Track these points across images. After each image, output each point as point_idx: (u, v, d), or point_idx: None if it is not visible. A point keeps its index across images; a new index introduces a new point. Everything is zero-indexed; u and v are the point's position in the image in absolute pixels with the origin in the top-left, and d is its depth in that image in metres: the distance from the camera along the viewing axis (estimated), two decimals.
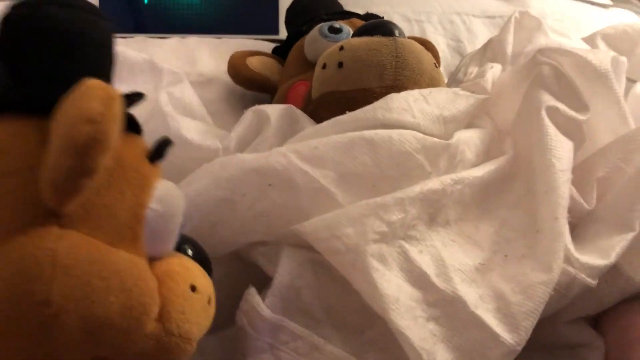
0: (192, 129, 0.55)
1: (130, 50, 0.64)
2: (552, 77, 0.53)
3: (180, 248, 0.38)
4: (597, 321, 0.51)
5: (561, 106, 0.51)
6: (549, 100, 0.51)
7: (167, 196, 0.35)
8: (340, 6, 0.78)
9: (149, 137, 0.53)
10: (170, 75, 0.66)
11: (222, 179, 0.46)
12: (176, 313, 0.33)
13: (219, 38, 0.84)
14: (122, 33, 0.83)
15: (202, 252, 0.40)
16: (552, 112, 0.51)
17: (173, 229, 0.35)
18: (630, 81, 0.65)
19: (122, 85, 0.62)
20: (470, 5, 0.94)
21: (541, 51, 0.55)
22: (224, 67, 0.72)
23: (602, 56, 0.54)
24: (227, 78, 0.73)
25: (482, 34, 0.89)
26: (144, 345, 0.32)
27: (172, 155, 0.53)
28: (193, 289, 0.35)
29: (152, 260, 0.34)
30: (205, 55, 0.78)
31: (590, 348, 0.48)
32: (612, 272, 0.47)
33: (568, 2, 1.01)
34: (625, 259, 0.47)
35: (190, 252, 0.39)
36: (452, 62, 0.84)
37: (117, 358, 0.32)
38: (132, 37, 0.82)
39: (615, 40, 0.76)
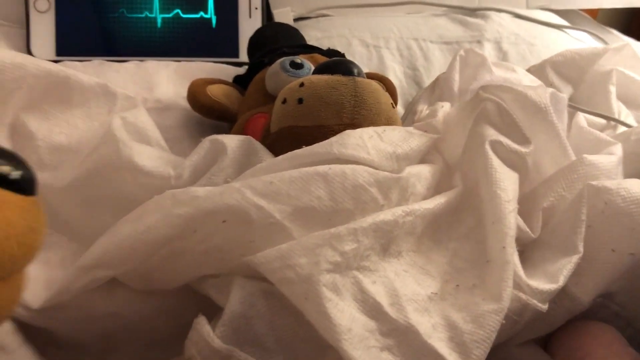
0: (144, 156, 0.54)
1: (83, 74, 0.63)
2: (495, 112, 0.55)
3: None
4: (546, 343, 0.52)
5: (504, 140, 0.53)
6: (492, 134, 0.53)
7: None
8: (303, 38, 0.79)
9: (100, 162, 0.53)
10: (124, 99, 0.65)
11: (174, 216, 0.45)
12: None
13: (178, 61, 0.84)
14: (79, 56, 0.82)
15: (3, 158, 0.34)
16: (496, 145, 0.53)
17: None
18: (575, 110, 0.67)
19: (75, 110, 0.62)
20: (428, 29, 0.96)
21: (484, 88, 0.57)
22: (182, 92, 0.71)
23: (541, 92, 0.56)
24: (185, 104, 0.72)
25: (437, 61, 0.90)
26: None
27: (123, 182, 0.53)
28: None
29: None
30: (164, 80, 0.77)
31: None
32: (560, 294, 0.48)
33: (524, 24, 1.03)
34: (571, 279, 0.48)
35: None
36: (408, 91, 0.85)
37: None
38: (89, 60, 0.82)
39: (564, 67, 0.79)
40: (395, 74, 0.87)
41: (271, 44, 0.73)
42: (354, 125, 0.53)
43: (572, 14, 1.16)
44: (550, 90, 0.57)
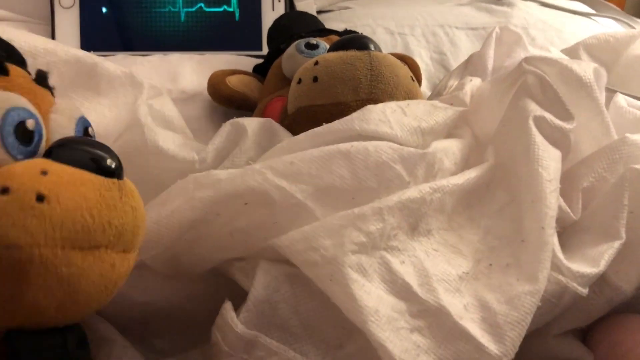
0: (169, 140, 0.54)
1: (110, 62, 0.63)
2: (537, 86, 0.53)
3: (50, 152, 0.37)
4: (585, 336, 0.50)
5: (548, 115, 0.51)
6: (535, 109, 0.51)
7: None
8: (320, 24, 0.78)
9: (126, 147, 0.53)
10: (150, 89, 0.65)
11: (196, 199, 0.45)
12: None
13: (202, 54, 0.84)
14: (103, 51, 0.83)
15: (89, 146, 0.38)
16: (539, 121, 0.50)
17: None
18: (611, 92, 0.65)
19: (102, 98, 0.62)
20: (453, 17, 0.95)
21: (527, 60, 0.54)
22: (206, 83, 0.72)
23: (586, 66, 0.54)
24: (209, 95, 0.73)
25: (464, 46, 0.89)
26: None
27: (148, 166, 0.53)
28: (4, 191, 0.32)
29: None
30: (188, 72, 0.77)
31: None
32: (599, 282, 0.46)
33: (551, 12, 1.01)
34: (611, 267, 0.46)
35: (58, 152, 0.37)
36: (435, 75, 0.84)
37: None
38: (114, 54, 0.82)
39: (597, 50, 0.77)
40: (422, 59, 0.86)
41: (289, 31, 0.73)
42: (372, 100, 0.52)
43: (599, 5, 1.13)
44: (594, 65, 0.55)
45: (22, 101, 0.37)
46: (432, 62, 0.86)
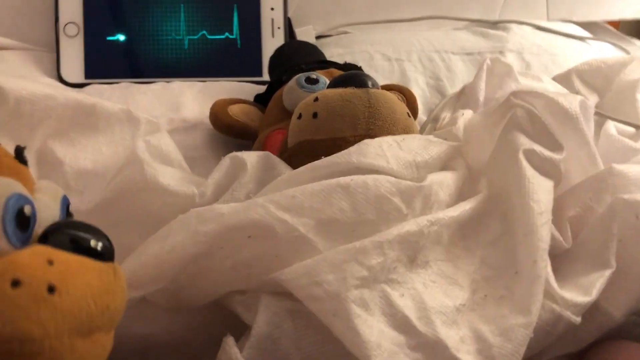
0: (168, 176, 0.55)
1: (107, 101, 0.65)
2: (526, 118, 0.54)
3: (46, 237, 0.36)
4: None
5: (537, 147, 0.52)
6: (525, 142, 0.52)
7: None
8: (321, 54, 0.80)
9: (126, 184, 0.54)
10: (147, 124, 0.67)
11: (200, 234, 0.46)
12: None
13: (204, 81, 0.85)
14: (107, 78, 0.84)
15: (83, 230, 0.38)
16: (529, 154, 0.52)
17: None
18: (603, 117, 0.67)
19: (100, 136, 0.64)
20: (450, 42, 0.96)
21: (514, 94, 0.56)
22: (208, 111, 0.73)
23: (572, 99, 0.56)
24: (210, 123, 0.74)
25: (460, 71, 0.90)
26: None
27: (148, 202, 0.54)
28: (15, 283, 0.32)
29: None
30: (190, 101, 0.79)
31: None
32: (591, 309, 0.48)
33: (546, 36, 1.03)
34: (602, 294, 0.48)
35: (58, 237, 0.36)
36: (431, 100, 0.85)
37: None
38: (117, 82, 0.84)
39: (589, 76, 0.78)
40: (418, 85, 0.87)
41: (289, 62, 0.74)
42: (369, 136, 0.54)
43: (594, 27, 1.15)
44: (580, 97, 0.57)
45: (19, 186, 0.36)
46: (428, 87, 0.87)
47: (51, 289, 0.32)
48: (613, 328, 0.50)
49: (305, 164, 0.51)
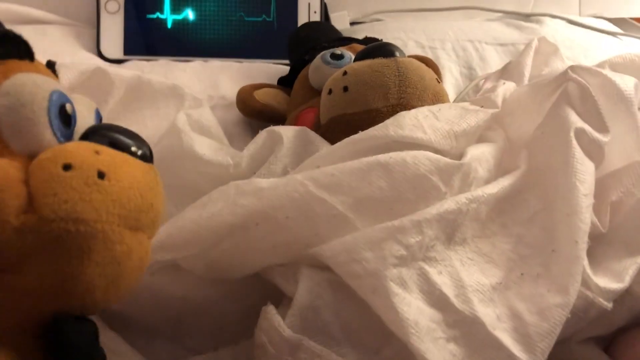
0: (205, 146, 0.56)
1: (154, 75, 0.66)
2: (577, 95, 0.53)
3: (87, 136, 0.37)
4: (609, 347, 0.51)
5: (587, 127, 0.51)
6: (577, 121, 0.51)
7: (13, 87, 0.34)
8: (339, 33, 0.80)
9: (164, 153, 0.56)
10: (192, 100, 0.68)
11: (237, 205, 0.46)
12: (46, 197, 0.31)
13: (240, 62, 0.87)
14: (145, 55, 0.86)
15: (122, 133, 0.38)
16: (580, 133, 0.51)
17: (30, 117, 0.34)
18: None
19: (145, 110, 0.65)
20: (483, 32, 0.96)
21: (572, 68, 0.55)
22: None
23: (628, 80, 0.54)
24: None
25: (493, 61, 0.90)
26: (24, 242, 0.31)
27: (184, 171, 0.55)
28: (67, 167, 0.32)
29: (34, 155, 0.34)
30: (228, 80, 0.80)
31: None
32: (622, 293, 0.48)
33: (578, 30, 1.03)
34: (634, 279, 0.48)
35: (97, 137, 0.37)
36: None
37: (0, 264, 0.31)
38: (156, 59, 0.85)
39: (623, 69, 0.77)
40: (452, 73, 0.88)
41: (308, 43, 0.74)
42: (401, 105, 0.54)
43: (625, 24, 1.15)
44: (635, 80, 0.55)
45: (59, 85, 0.37)
46: (461, 76, 0.88)
47: (101, 175, 0.33)
48: None
49: (340, 139, 0.52)
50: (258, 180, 0.49)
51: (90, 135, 0.37)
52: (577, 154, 0.49)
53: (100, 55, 0.86)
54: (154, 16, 0.88)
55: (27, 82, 0.34)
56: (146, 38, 0.88)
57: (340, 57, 0.64)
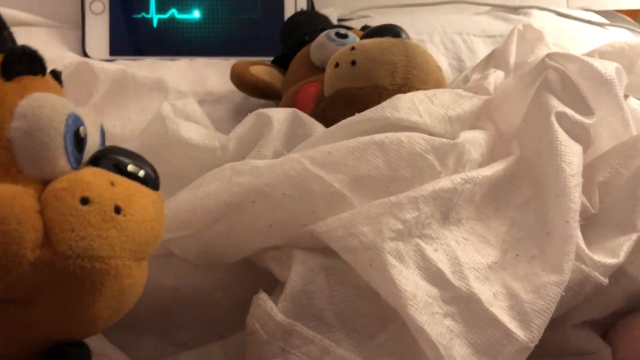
0: (191, 130, 0.55)
1: (140, 71, 0.66)
2: (558, 81, 0.54)
3: (97, 160, 0.37)
4: (607, 333, 0.51)
5: (569, 111, 0.52)
6: (557, 105, 0.52)
7: (31, 110, 0.33)
8: (332, 23, 0.81)
9: (149, 140, 0.55)
10: (176, 93, 0.68)
11: (234, 183, 0.46)
12: (63, 233, 0.31)
13: (227, 59, 0.86)
14: (131, 55, 0.85)
15: (130, 157, 0.38)
16: (561, 117, 0.52)
17: (47, 142, 0.33)
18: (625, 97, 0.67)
19: (130, 103, 0.64)
20: (471, 25, 0.97)
21: (549, 55, 0.56)
22: (232, 86, 0.74)
23: (608, 64, 0.56)
24: (236, 97, 0.75)
25: (482, 52, 0.90)
26: (38, 277, 0.31)
27: (171, 156, 0.54)
28: (85, 201, 0.32)
29: (49, 181, 0.33)
30: (214, 76, 0.80)
31: (598, 356, 0.49)
32: (615, 273, 0.48)
33: (566, 21, 1.04)
34: (627, 258, 0.48)
35: (106, 162, 0.36)
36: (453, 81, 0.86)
37: (12, 295, 0.31)
38: (142, 59, 0.85)
39: (612, 57, 0.78)
40: (441, 65, 0.86)
41: (305, 28, 0.75)
42: (407, 85, 0.55)
43: (612, 16, 1.15)
44: (616, 64, 0.57)
45: (72, 105, 0.36)
46: (450, 68, 0.88)
47: (117, 210, 0.33)
48: (639, 293, 0.49)
49: (343, 113, 0.52)
50: (254, 160, 0.49)
51: (100, 160, 0.37)
52: (560, 137, 0.50)
53: (85, 56, 0.85)
54: (139, 16, 0.88)
55: (45, 104, 0.34)
56: (132, 38, 0.88)
57: (344, 36, 0.65)
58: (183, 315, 0.51)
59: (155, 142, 0.55)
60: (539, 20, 1.00)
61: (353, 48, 0.57)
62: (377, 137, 0.47)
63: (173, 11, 0.89)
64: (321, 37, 0.66)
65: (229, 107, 0.74)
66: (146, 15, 0.88)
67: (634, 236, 0.48)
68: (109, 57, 0.86)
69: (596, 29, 1.04)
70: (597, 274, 0.46)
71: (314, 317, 0.44)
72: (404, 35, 0.59)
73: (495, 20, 1.00)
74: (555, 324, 0.47)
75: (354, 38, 0.65)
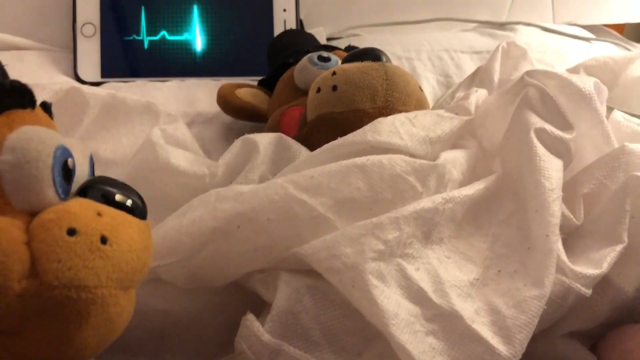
0: (180, 157, 0.56)
1: (130, 95, 0.67)
2: (538, 98, 0.55)
3: (85, 191, 0.37)
4: (596, 345, 0.51)
5: (548, 127, 0.53)
6: (536, 122, 0.53)
7: (19, 143, 0.34)
8: (318, 42, 0.82)
9: (139, 166, 0.56)
10: (166, 117, 0.68)
11: (218, 210, 0.47)
12: (50, 263, 0.31)
13: (217, 80, 0.87)
14: (122, 77, 0.86)
15: (118, 187, 0.39)
16: (540, 133, 0.53)
17: (35, 174, 0.34)
18: (610, 110, 0.68)
19: (120, 127, 0.65)
20: (458, 41, 0.98)
21: (528, 73, 0.57)
22: None
23: (586, 79, 0.57)
24: (225, 118, 0.76)
25: (469, 69, 0.91)
26: (25, 307, 0.31)
27: (161, 183, 0.55)
28: (71, 232, 0.33)
29: (37, 212, 0.34)
30: (204, 97, 0.81)
31: None
32: (602, 284, 0.48)
33: (552, 36, 1.05)
34: (613, 270, 0.48)
35: (94, 192, 0.37)
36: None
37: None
38: (134, 81, 0.86)
39: (597, 71, 0.80)
40: (429, 82, 0.89)
41: (290, 48, 0.76)
42: (388, 108, 0.56)
43: (599, 30, 1.17)
44: (594, 79, 0.58)
45: (62, 139, 0.37)
46: (438, 84, 0.89)
47: (104, 240, 0.33)
48: (626, 304, 0.50)
49: (325, 137, 0.53)
50: (238, 185, 0.49)
51: (88, 190, 0.37)
52: (539, 152, 0.51)
53: (77, 79, 0.86)
54: (131, 38, 0.89)
55: (33, 137, 0.34)
56: (123, 60, 0.89)
57: (327, 59, 0.66)
58: (174, 337, 0.51)
59: (145, 168, 0.56)
60: (525, 36, 1.02)
61: (334, 73, 0.58)
62: (359, 160, 0.48)
63: (164, 33, 0.90)
64: (304, 61, 0.67)
65: (219, 127, 0.75)
66: (137, 38, 0.89)
67: (618, 247, 0.49)
68: (100, 80, 0.87)
69: (582, 44, 1.06)
70: (578, 285, 0.47)
71: (301, 336, 0.45)
72: (384, 59, 0.61)
73: (482, 36, 1.01)
74: (543, 335, 0.47)
75: (336, 61, 0.66)
